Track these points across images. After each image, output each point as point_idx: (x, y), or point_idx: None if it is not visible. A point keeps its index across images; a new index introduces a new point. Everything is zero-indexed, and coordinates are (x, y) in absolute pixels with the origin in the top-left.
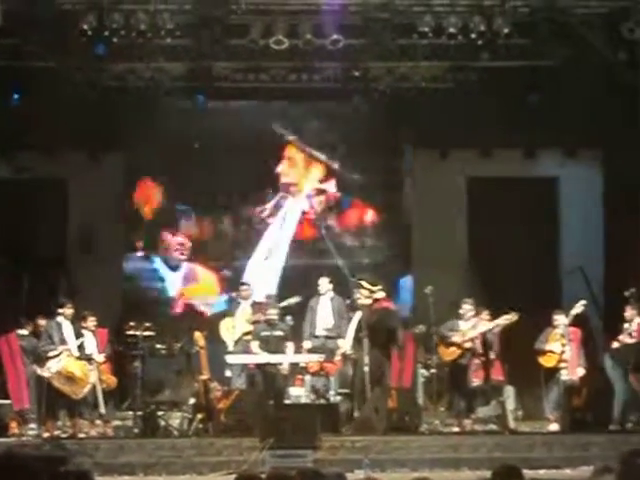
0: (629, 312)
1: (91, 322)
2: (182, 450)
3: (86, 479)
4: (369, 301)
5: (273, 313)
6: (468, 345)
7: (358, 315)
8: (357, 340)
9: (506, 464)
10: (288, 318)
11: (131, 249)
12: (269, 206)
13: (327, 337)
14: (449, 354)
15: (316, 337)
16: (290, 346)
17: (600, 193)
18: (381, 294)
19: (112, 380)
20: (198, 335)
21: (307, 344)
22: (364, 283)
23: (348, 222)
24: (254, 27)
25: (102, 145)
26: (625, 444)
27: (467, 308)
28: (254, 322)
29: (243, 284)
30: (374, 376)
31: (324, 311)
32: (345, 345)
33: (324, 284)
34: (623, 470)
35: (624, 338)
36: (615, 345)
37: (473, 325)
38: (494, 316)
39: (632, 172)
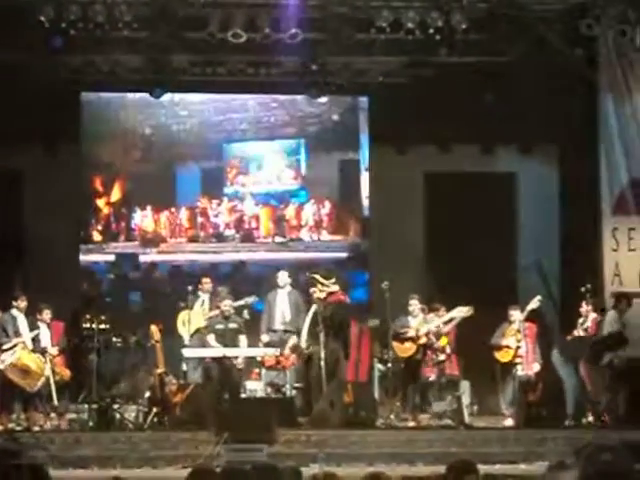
0: (584, 308)
1: (46, 315)
2: (137, 444)
3: (41, 472)
4: (323, 295)
5: (227, 305)
6: (423, 340)
7: (313, 309)
8: (313, 334)
9: (461, 459)
10: (244, 312)
11: (87, 242)
12: (226, 200)
13: (285, 331)
14: (404, 350)
15: (274, 331)
16: (244, 339)
17: (557, 189)
18: (334, 287)
19: (66, 373)
20: (154, 328)
21: (265, 338)
22: (318, 277)
23: (305, 217)
24: (212, 20)
25: (59, 138)
26: (580, 440)
27: (414, 304)
28: (210, 318)
29: (204, 277)
30: (330, 370)
31: (282, 305)
32: (300, 339)
33: (283, 278)
34: (585, 466)
35: (578, 333)
36: (566, 339)
37: (425, 320)
38: (447, 311)
39: (588, 169)
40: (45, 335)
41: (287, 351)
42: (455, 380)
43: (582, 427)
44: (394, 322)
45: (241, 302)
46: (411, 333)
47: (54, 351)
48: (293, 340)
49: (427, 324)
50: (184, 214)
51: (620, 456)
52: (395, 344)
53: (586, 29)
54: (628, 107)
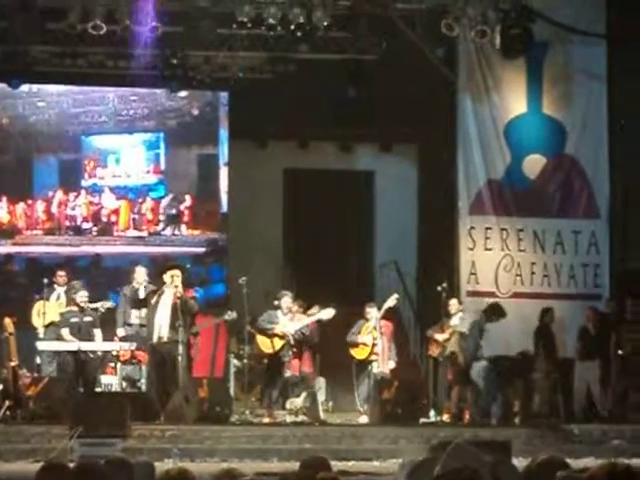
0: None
1: None
2: None
3: None
4: (179, 289)
5: (83, 297)
6: (289, 338)
7: (168, 303)
8: (173, 328)
9: (314, 455)
10: (99, 304)
11: None
12: (84, 192)
13: (141, 325)
14: (268, 346)
15: (129, 325)
16: (98, 333)
17: (415, 188)
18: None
19: None
20: (7, 321)
21: (121, 332)
22: (174, 271)
23: (163, 211)
24: (72, 11)
25: None
26: (434, 437)
27: (287, 301)
28: (65, 312)
29: (59, 270)
30: (186, 365)
31: (139, 300)
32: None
33: (141, 274)
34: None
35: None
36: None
37: (291, 318)
38: (307, 308)
39: (446, 168)
40: None
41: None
42: (311, 377)
43: (436, 425)
44: (261, 317)
45: (97, 304)
46: (278, 330)
47: None
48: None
49: (296, 322)
50: (40, 206)
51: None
52: (260, 339)
53: (446, 29)
54: (486, 107)
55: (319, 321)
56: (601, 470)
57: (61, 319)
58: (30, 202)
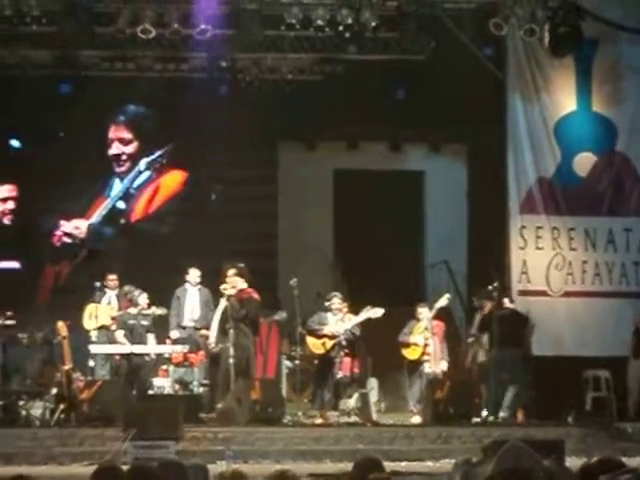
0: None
1: None
2: (43, 440)
3: None
4: (233, 291)
5: (144, 300)
6: (340, 339)
7: (222, 306)
8: (223, 331)
9: (367, 456)
10: (154, 308)
11: None
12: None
13: (195, 328)
14: (319, 347)
15: (183, 328)
16: (151, 337)
17: (464, 188)
18: (243, 285)
19: None
20: (61, 324)
21: (174, 334)
22: (229, 272)
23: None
24: (121, 15)
25: None
26: (486, 437)
27: (337, 302)
28: (120, 315)
29: (110, 274)
30: (239, 367)
31: (191, 302)
32: (211, 337)
33: (194, 275)
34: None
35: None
36: None
37: (341, 318)
38: (359, 308)
39: (496, 167)
40: None
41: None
42: (363, 377)
43: (488, 424)
44: (310, 318)
45: (151, 310)
46: (326, 331)
47: None
48: (211, 338)
49: (345, 323)
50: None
51: (529, 453)
52: (310, 340)
53: (495, 28)
54: (536, 106)
55: (368, 320)
56: None
57: (116, 322)
58: None
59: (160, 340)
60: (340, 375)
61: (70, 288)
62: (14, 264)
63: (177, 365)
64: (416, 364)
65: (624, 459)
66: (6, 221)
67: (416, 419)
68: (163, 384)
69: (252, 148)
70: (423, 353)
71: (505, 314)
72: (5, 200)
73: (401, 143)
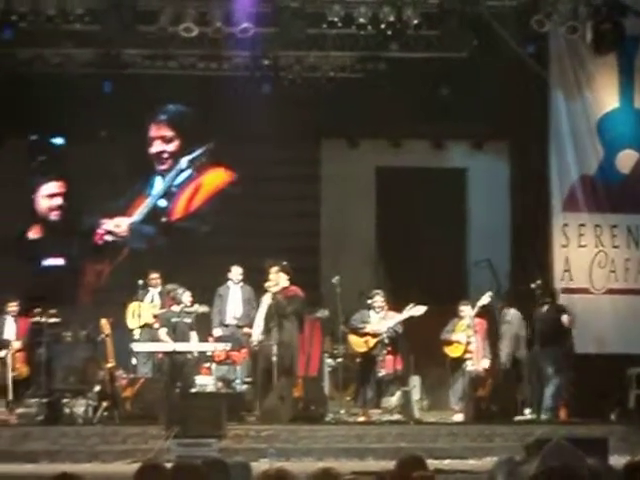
0: None
1: (12, 307)
2: (86, 438)
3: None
4: (277, 288)
5: (188, 298)
6: (381, 337)
7: (265, 303)
8: (266, 329)
9: (410, 454)
10: (196, 306)
11: None
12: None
13: (237, 326)
14: (361, 345)
15: (226, 326)
16: (194, 335)
17: (507, 185)
18: (285, 282)
19: (24, 370)
20: (104, 322)
21: (217, 332)
22: (273, 270)
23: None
24: (163, 14)
25: (7, 130)
26: (529, 435)
27: (379, 300)
28: (163, 313)
29: (152, 272)
30: (282, 365)
31: (234, 299)
32: (254, 334)
33: (236, 272)
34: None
35: None
36: None
37: (384, 316)
38: (401, 306)
39: (538, 165)
40: (10, 328)
41: (251, 346)
42: (405, 375)
43: (531, 423)
44: (353, 316)
45: (193, 308)
46: (368, 329)
47: (17, 345)
48: (255, 336)
49: (387, 321)
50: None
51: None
52: (352, 338)
53: (537, 25)
54: (579, 103)
55: (411, 318)
56: None
57: (159, 320)
58: None
59: (203, 338)
60: (382, 373)
61: (112, 286)
62: (59, 261)
63: (219, 363)
64: (458, 362)
65: None
66: (53, 217)
67: (458, 417)
68: (206, 382)
69: (294, 146)
70: (465, 351)
71: (547, 312)
72: (53, 196)
73: (443, 140)
